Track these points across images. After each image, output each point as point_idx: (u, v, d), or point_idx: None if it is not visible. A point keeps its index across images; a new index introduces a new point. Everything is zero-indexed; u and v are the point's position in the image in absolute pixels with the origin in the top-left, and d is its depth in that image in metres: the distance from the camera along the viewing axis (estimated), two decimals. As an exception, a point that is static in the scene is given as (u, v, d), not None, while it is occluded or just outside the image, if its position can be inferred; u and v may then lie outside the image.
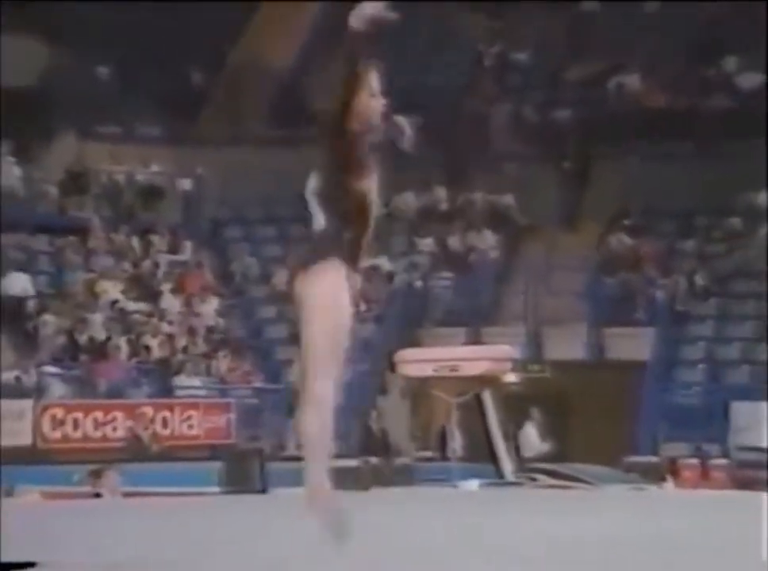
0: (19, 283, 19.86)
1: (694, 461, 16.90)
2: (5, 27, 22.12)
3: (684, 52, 23.34)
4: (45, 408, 17.35)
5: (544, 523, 8.28)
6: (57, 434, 17.23)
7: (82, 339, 19.21)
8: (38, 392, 17.91)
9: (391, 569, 5.78)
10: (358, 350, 20.39)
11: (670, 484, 14.70)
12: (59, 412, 17.37)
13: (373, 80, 5.47)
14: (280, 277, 21.73)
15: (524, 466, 14.09)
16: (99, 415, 17.56)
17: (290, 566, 5.29)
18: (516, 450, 15.26)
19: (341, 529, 5.28)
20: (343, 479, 14.69)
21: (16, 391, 17.72)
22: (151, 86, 23.14)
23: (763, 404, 17.91)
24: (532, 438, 17.25)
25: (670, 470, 15.54)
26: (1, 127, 20.75)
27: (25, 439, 16.97)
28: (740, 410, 18.20)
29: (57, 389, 18.23)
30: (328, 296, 5.33)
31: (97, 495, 13.02)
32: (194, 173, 22.34)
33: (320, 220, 5.47)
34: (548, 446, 17.20)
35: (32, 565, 4.19)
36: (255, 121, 23.62)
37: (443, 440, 16.00)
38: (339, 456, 18.56)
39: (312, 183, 5.54)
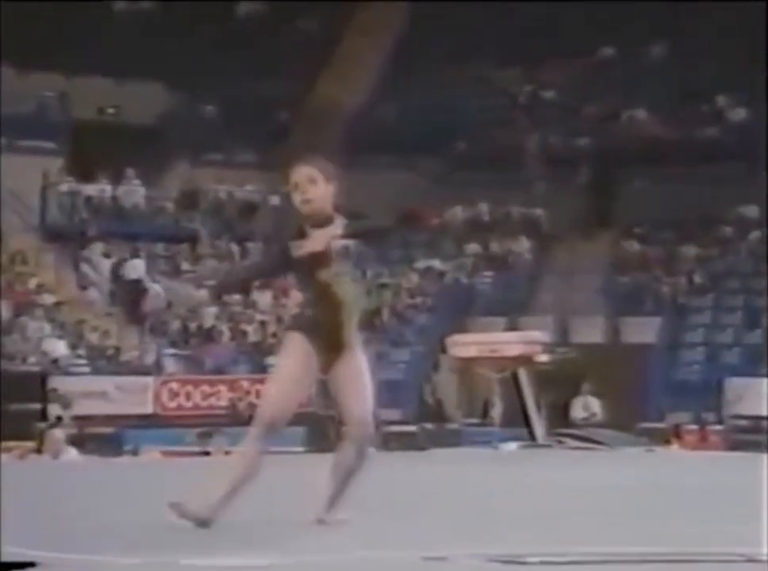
0: (136, 269, 19.95)
1: (694, 427, 16.67)
2: (128, 76, 22.30)
3: (684, 90, 23.10)
4: (164, 383, 17.44)
5: (570, 477, 8.20)
6: (173, 404, 17.31)
7: (193, 326, 19.30)
8: (157, 369, 18.01)
9: (446, 510, 5.74)
10: (416, 335, 20.39)
11: (674, 446, 14.49)
12: (175, 386, 17.44)
13: (318, 172, 4.94)
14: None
15: (553, 431, 13.95)
16: (206, 388, 17.62)
17: (356, 505, 5.25)
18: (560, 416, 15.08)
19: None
20: (404, 442, 14.65)
21: (139, 369, 17.83)
22: (248, 122, 23.23)
23: (752, 379, 17.69)
24: (580, 406, 17.20)
25: (674, 434, 15.32)
26: (128, 157, 20.95)
27: (148, 408, 17.06)
28: (733, 385, 17.96)
29: (173, 367, 18.33)
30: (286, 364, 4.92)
31: (206, 453, 13.03)
32: (281, 191, 22.40)
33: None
34: (597, 412, 17.09)
35: (32, 564, 3.73)
36: (329, 150, 23.67)
37: (486, 409, 15.90)
38: (399, 423, 18.47)
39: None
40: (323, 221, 4.98)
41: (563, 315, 20.55)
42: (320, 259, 4.91)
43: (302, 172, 5.06)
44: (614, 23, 23.63)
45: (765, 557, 4.05)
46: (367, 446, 5.11)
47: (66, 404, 15.75)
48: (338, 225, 5.00)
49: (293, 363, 4.95)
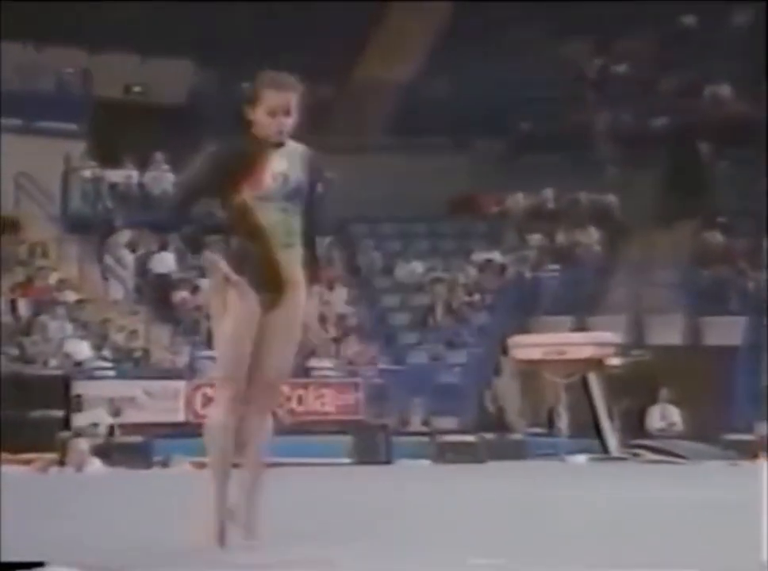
0: (164, 262, 20.07)
1: (785, 438, 16.49)
2: (156, 51, 22.47)
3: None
4: (197, 388, 17.56)
5: (646, 494, 8.19)
6: (207, 411, 17.43)
7: (227, 326, 19.43)
8: (190, 372, 18.14)
9: (507, 529, 5.76)
10: (474, 335, 20.40)
11: (762, 460, 14.38)
12: (209, 391, 17.52)
13: (272, 98, 4.86)
14: (401, 270, 21.84)
15: (627, 442, 13.94)
16: (242, 393, 17.67)
17: (412, 528, 5.29)
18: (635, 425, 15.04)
19: None
20: (462, 453, 14.67)
21: (170, 373, 17.97)
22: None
23: None
24: (658, 415, 17.18)
25: (763, 447, 15.18)
26: (156, 139, 21.13)
27: (179, 416, 17.19)
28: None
29: (206, 370, 18.45)
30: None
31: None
32: (324, 177, 22.48)
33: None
34: (676, 422, 17.04)
35: (40, 564, 3.93)
36: (376, 131, 23.71)
37: (551, 418, 15.88)
38: (456, 432, 18.47)
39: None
40: (275, 145, 4.88)
41: (638, 313, 20.45)
42: (253, 183, 4.84)
43: (282, 98, 4.90)
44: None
45: None
46: (270, 417, 5.06)
47: (116, 412, 15.88)
48: (291, 150, 4.88)
49: (238, 314, 4.85)
